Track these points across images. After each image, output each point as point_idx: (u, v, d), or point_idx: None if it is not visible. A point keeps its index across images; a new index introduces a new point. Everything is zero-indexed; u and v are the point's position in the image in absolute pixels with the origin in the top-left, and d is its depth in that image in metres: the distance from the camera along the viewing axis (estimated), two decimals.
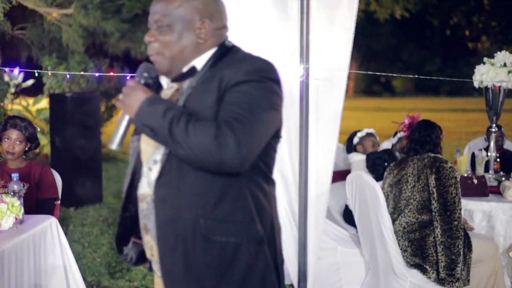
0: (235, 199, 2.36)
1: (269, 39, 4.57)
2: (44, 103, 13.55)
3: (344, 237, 5.42)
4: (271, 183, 2.51)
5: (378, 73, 7.18)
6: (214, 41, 2.48)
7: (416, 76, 6.60)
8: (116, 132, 2.43)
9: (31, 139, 4.84)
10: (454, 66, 32.77)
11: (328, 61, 4.73)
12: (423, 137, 4.92)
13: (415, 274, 4.73)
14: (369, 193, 4.93)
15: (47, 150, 11.82)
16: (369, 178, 4.97)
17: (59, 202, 4.96)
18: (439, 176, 4.65)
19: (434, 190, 4.65)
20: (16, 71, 12.50)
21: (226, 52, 2.47)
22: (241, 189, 2.37)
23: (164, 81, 2.58)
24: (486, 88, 5.61)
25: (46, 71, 11.97)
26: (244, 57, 2.43)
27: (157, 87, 2.56)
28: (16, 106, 13.43)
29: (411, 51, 35.59)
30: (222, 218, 2.35)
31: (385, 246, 4.83)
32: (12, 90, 12.78)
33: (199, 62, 2.46)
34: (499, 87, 5.55)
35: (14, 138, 4.77)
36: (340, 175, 6.11)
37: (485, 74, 5.50)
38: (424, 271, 4.69)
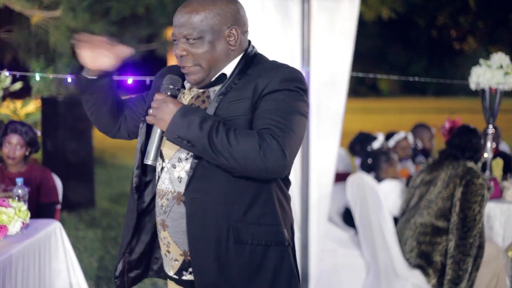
0: (265, 202, 2.41)
1: (270, 43, 4.60)
2: (32, 106, 13.48)
3: (344, 239, 5.44)
4: (289, 184, 2.58)
5: (380, 76, 7.19)
6: (241, 46, 2.51)
7: (417, 78, 6.60)
8: (149, 147, 2.46)
9: (32, 144, 4.83)
10: (440, 67, 32.94)
11: (329, 64, 4.76)
12: (464, 142, 4.87)
13: (417, 275, 4.76)
14: (370, 195, 4.96)
15: (37, 154, 11.74)
16: (370, 180, 4.99)
17: (59, 206, 4.95)
18: (466, 190, 4.61)
19: (458, 203, 4.62)
20: (4, 73, 12.40)
21: (252, 59, 2.51)
22: (270, 192, 2.43)
23: (187, 83, 2.59)
24: (483, 90, 5.63)
25: (37, 74, 11.90)
26: (276, 66, 2.47)
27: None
28: (3, 109, 13.33)
29: (397, 51, 35.73)
30: (253, 221, 2.40)
31: (386, 247, 4.86)
32: (0, 93, 12.68)
33: (228, 69, 2.49)
34: (496, 89, 5.58)
35: (14, 143, 4.75)
36: (339, 177, 6.13)
37: (482, 76, 5.51)
38: (425, 274, 4.72)
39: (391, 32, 33.20)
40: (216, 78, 2.49)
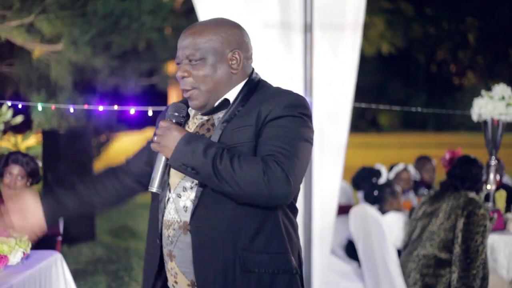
0: (271, 230, 2.39)
1: (273, 72, 4.59)
2: (32, 139, 13.45)
3: (347, 271, 5.39)
4: (296, 211, 2.56)
5: (382, 107, 7.19)
6: (244, 72, 2.51)
7: (419, 109, 6.61)
8: (154, 175, 2.43)
9: (33, 175, 4.80)
10: (440, 101, 33.02)
11: (331, 94, 4.77)
12: (464, 173, 4.85)
13: None
14: (373, 227, 4.93)
15: (37, 186, 11.69)
16: (373, 212, 4.96)
17: (60, 238, 4.91)
18: (469, 221, 4.58)
19: (460, 234, 4.59)
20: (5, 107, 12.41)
21: (256, 86, 2.50)
22: (276, 220, 2.40)
23: (191, 112, 2.58)
24: (485, 121, 5.61)
25: (39, 104, 11.91)
26: (279, 92, 2.46)
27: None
28: (4, 143, 13.30)
29: (397, 86, 35.86)
30: (259, 249, 2.37)
31: (390, 280, 4.81)
32: (1, 127, 12.65)
33: (231, 95, 2.48)
34: (498, 120, 5.56)
35: (15, 173, 4.73)
36: (341, 210, 6.10)
37: (484, 108, 5.51)
38: None
39: (391, 67, 33.36)
40: (220, 104, 2.48)
